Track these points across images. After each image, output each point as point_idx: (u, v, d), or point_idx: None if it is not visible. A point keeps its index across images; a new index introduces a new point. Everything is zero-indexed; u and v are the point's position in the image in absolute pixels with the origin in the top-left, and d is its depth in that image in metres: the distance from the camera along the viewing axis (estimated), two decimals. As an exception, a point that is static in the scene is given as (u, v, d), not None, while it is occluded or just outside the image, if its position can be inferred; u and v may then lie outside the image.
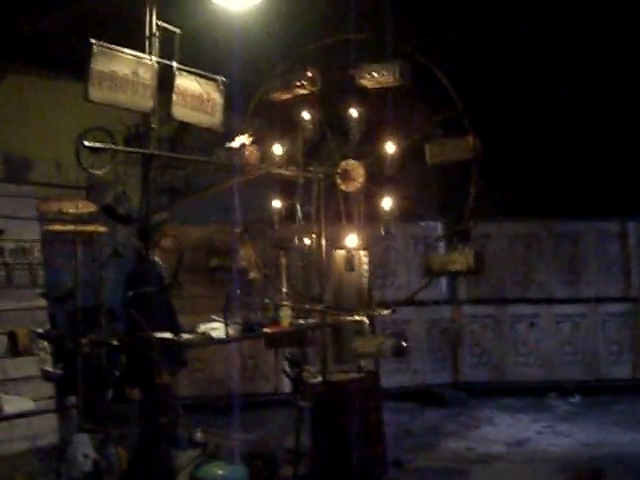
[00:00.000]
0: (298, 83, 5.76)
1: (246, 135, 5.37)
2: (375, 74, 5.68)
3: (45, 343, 5.67)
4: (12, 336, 5.80)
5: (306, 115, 5.79)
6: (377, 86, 5.77)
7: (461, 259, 5.64)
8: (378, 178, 5.83)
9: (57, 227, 5.79)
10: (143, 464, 4.86)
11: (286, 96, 5.93)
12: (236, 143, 5.60)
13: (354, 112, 5.80)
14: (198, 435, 5.82)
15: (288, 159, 5.74)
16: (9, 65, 7.88)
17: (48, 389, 6.46)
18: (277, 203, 5.98)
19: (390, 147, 5.77)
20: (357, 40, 5.88)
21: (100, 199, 7.13)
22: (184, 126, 8.49)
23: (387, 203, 5.70)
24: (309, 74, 5.73)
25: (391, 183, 5.84)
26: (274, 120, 6.08)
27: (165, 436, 4.67)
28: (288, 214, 6.01)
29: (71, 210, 5.74)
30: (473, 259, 5.60)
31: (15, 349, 5.82)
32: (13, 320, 6.39)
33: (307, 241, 5.78)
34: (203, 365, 8.47)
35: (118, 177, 8.65)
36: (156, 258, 5.04)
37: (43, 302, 6.38)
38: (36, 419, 6.68)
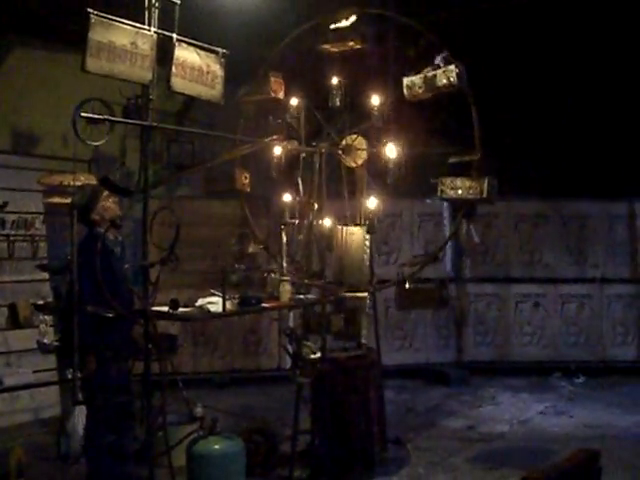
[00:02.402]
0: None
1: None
2: (460, 190, 5.47)
3: (45, 315, 5.67)
4: (13, 308, 5.84)
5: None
6: (459, 200, 5.62)
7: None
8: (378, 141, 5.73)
9: (57, 199, 5.79)
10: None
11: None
12: (346, 22, 5.53)
13: (376, 100, 5.67)
14: (198, 410, 5.83)
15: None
16: (16, 38, 7.83)
17: (50, 361, 6.47)
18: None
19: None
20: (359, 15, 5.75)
21: (104, 172, 7.12)
22: (190, 101, 8.51)
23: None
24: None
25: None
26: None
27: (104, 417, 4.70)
28: (291, 189, 5.95)
29: (72, 183, 5.71)
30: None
31: (16, 321, 5.86)
32: (16, 292, 6.42)
33: (309, 216, 5.72)
34: (206, 340, 8.48)
35: (124, 150, 8.66)
36: (108, 233, 4.90)
37: (45, 274, 6.38)
38: (39, 391, 6.73)
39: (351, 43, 5.65)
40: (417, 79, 5.55)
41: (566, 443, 6.18)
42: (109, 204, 4.93)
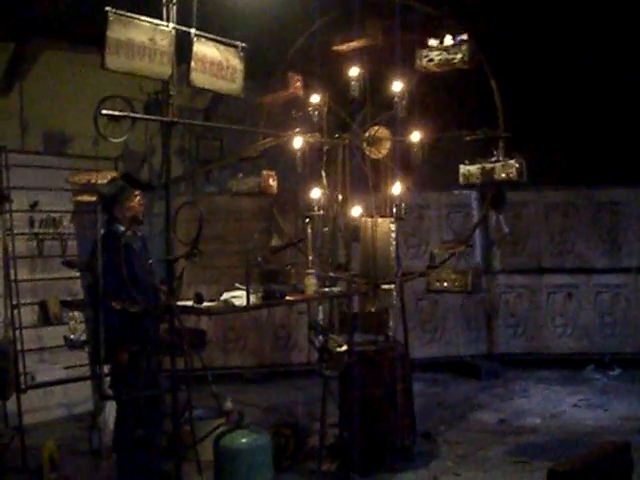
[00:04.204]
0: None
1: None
2: (446, 283, 5.61)
3: (74, 312, 5.75)
4: (43, 305, 5.94)
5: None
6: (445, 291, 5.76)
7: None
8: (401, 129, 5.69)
9: (85, 197, 5.84)
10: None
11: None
12: (451, 41, 5.47)
13: (398, 86, 5.62)
14: (228, 404, 5.88)
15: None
16: (43, 42, 7.94)
17: (84, 357, 6.56)
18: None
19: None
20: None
21: (130, 170, 7.19)
22: (218, 97, 8.54)
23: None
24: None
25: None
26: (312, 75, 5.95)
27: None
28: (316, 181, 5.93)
29: (99, 181, 5.76)
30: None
31: (47, 318, 5.96)
32: (47, 290, 6.52)
33: (334, 208, 5.70)
34: (236, 335, 8.53)
35: (152, 148, 8.72)
36: (122, 227, 4.93)
37: (74, 272, 6.46)
38: (71, 387, 6.84)
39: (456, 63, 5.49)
40: (474, 169, 5.46)
41: (600, 437, 6.06)
42: (134, 203, 4.98)
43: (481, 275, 5.66)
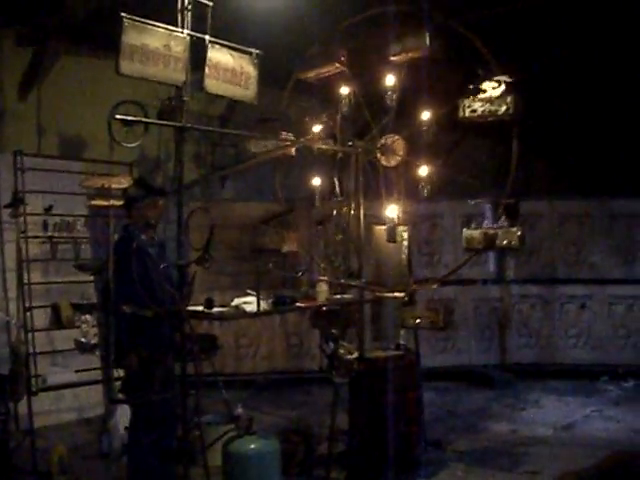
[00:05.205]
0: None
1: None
2: (418, 320, 5.64)
3: (86, 315, 5.78)
4: (55, 309, 5.97)
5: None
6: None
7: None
8: (417, 151, 5.67)
9: (98, 202, 5.86)
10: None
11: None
12: (494, 91, 5.36)
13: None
14: (239, 411, 5.87)
15: (327, 134, 5.65)
16: (62, 46, 8.01)
17: (94, 361, 6.56)
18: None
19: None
20: (394, 13, 5.65)
21: (145, 175, 7.23)
22: (234, 104, 8.56)
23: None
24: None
25: (432, 155, 5.66)
26: (314, 96, 5.95)
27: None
28: (328, 190, 5.93)
29: (114, 185, 5.78)
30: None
31: (59, 321, 5.98)
32: (61, 293, 6.53)
33: (346, 216, 5.70)
34: (248, 342, 8.54)
35: (167, 154, 8.76)
36: (142, 235, 4.94)
37: (88, 275, 6.49)
38: (82, 391, 6.85)
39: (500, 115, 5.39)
40: (477, 233, 5.44)
41: (612, 449, 5.97)
42: (154, 212, 4.97)
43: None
